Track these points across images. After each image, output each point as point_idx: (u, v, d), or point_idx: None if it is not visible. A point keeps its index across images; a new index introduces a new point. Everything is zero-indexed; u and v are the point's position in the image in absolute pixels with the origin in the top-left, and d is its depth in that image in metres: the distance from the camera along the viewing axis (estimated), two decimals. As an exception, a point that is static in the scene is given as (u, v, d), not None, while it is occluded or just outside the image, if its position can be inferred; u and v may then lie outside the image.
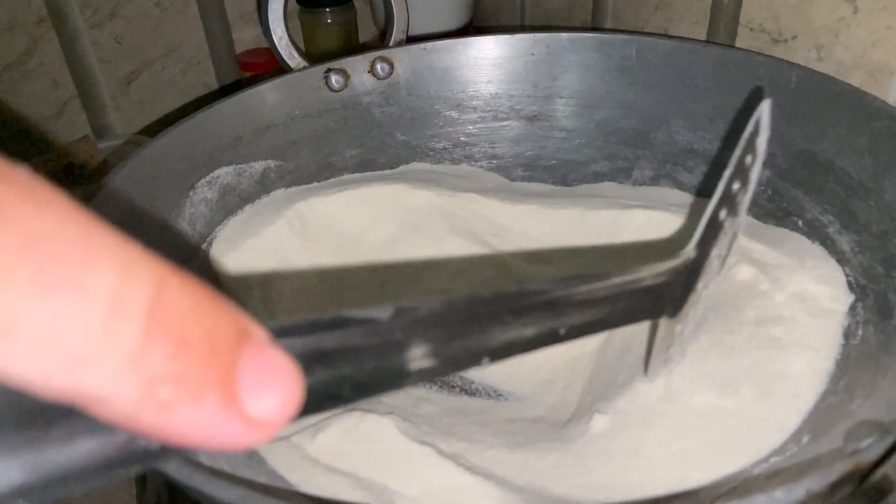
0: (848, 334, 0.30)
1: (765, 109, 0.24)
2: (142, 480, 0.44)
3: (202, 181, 0.38)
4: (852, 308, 0.31)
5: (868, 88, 0.36)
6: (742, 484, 0.24)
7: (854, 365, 0.29)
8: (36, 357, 0.09)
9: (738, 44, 0.46)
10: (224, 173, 0.39)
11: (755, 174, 0.25)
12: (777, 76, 0.38)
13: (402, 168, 0.45)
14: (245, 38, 0.74)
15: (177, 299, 0.10)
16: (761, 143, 0.25)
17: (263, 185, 0.41)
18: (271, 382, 0.11)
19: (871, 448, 0.18)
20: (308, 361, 0.13)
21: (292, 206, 0.40)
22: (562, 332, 0.18)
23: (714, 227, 0.26)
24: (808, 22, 0.41)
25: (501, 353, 0.17)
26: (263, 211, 0.39)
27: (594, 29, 0.58)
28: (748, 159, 0.25)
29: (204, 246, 0.37)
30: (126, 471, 0.11)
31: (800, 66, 0.37)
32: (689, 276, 0.25)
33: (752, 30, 0.44)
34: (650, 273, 0.23)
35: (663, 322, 0.26)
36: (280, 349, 0.12)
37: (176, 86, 0.73)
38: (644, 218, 0.39)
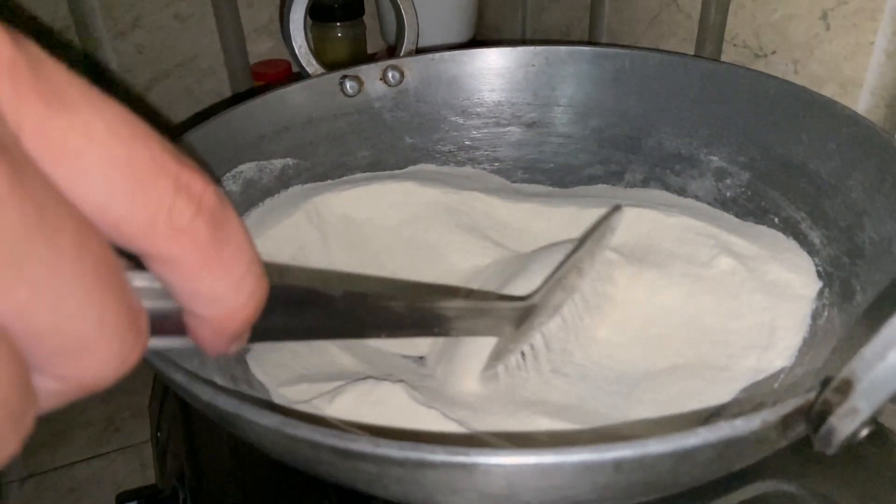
0: (815, 316, 0.34)
1: (619, 219, 0.38)
2: (157, 428, 0.46)
3: (227, 175, 0.41)
4: (820, 293, 0.34)
5: (840, 99, 0.39)
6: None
7: (819, 342, 0.32)
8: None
9: (722, 58, 0.49)
10: (247, 168, 0.42)
11: (601, 254, 0.36)
12: (758, 87, 0.41)
13: (409, 168, 0.48)
14: (259, 49, 0.78)
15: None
16: (610, 239, 0.37)
17: (282, 181, 0.44)
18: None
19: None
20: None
21: (309, 200, 0.43)
22: (435, 329, 0.27)
23: (558, 286, 0.34)
24: (786, 39, 0.44)
25: (395, 332, 0.25)
26: (282, 204, 0.43)
27: (590, 43, 0.61)
28: (598, 249, 0.36)
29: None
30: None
31: (778, 78, 0.40)
32: (529, 315, 0.32)
33: (735, 45, 0.48)
34: (504, 306, 0.31)
35: (501, 340, 0.33)
36: None
37: (192, 94, 0.76)
38: (634, 214, 0.42)
